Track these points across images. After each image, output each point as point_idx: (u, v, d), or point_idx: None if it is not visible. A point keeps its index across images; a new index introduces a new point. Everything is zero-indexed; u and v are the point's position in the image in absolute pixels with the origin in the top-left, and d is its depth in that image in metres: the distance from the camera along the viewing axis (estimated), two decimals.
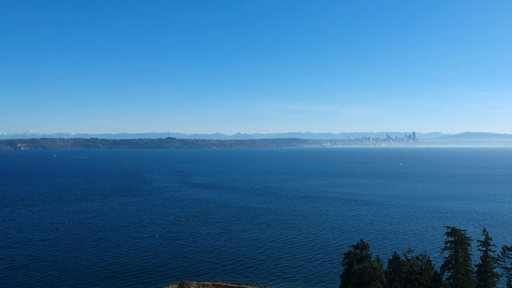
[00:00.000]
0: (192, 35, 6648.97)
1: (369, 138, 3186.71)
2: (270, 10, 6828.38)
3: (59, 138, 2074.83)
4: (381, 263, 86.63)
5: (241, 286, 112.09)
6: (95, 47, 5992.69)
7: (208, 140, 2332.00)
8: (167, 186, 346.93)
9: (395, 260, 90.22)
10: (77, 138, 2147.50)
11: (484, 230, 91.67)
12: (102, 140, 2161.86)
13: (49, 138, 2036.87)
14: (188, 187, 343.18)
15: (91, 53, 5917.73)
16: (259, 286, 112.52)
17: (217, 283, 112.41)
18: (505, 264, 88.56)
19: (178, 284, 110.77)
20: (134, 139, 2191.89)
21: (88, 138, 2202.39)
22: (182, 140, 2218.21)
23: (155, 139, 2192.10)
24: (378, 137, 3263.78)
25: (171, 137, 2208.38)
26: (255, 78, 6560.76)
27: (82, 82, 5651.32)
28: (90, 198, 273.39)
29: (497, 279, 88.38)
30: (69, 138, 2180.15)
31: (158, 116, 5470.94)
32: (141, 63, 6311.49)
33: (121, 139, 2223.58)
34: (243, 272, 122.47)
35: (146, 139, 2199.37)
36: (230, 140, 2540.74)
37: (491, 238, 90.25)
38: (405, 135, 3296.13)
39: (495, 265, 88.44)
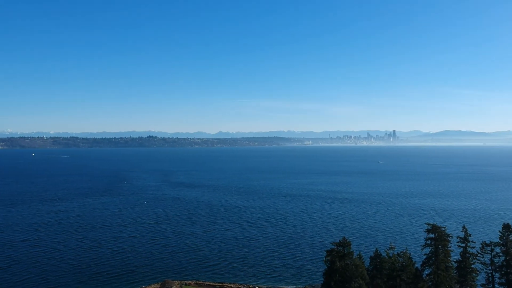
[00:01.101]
0: (174, 33, 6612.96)
1: (350, 136, 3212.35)
2: (254, 10, 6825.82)
3: (38, 137, 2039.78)
4: (363, 260, 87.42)
5: (224, 284, 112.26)
6: (74, 43, 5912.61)
7: (190, 138, 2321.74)
8: (149, 185, 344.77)
9: (376, 257, 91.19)
10: (57, 137, 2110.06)
11: (464, 227, 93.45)
12: (83, 139, 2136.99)
13: (28, 137, 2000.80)
14: (170, 186, 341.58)
15: (70, 49, 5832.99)
16: (242, 284, 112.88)
17: (199, 282, 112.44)
18: (484, 259, 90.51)
19: (160, 283, 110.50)
20: (115, 138, 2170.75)
21: (68, 137, 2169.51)
22: (163, 139, 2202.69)
23: (136, 137, 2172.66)
24: (360, 135, 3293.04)
25: (152, 136, 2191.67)
26: (238, 77, 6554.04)
27: (61, 80, 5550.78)
28: (71, 197, 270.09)
29: (476, 275, 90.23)
30: (49, 137, 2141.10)
31: (140, 115, 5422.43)
32: (121, 60, 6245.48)
33: (102, 138, 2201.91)
34: (227, 271, 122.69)
35: (127, 137, 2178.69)
36: (212, 139, 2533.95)
37: (470, 235, 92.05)
38: (386, 133, 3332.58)
39: (474, 261, 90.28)
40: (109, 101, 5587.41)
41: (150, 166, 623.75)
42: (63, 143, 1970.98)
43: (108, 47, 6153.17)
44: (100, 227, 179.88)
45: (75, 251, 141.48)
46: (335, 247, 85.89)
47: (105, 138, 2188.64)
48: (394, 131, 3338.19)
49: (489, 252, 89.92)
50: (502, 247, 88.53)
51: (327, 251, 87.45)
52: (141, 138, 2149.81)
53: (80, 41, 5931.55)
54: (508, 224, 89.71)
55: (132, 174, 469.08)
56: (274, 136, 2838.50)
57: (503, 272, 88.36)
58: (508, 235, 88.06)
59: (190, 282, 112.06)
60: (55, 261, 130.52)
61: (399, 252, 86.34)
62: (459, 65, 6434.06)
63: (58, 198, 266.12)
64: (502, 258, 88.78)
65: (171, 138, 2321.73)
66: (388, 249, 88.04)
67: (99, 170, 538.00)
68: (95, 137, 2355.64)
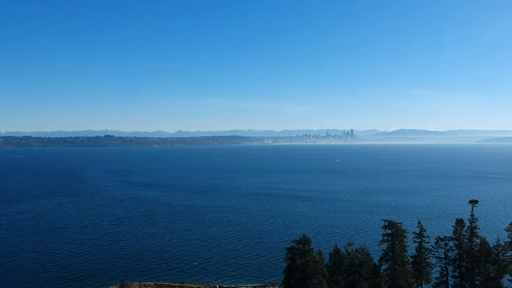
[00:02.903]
0: (130, 29, 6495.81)
1: (309, 135, 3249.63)
2: (210, 6, 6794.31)
3: None
4: (323, 257, 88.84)
5: (184, 284, 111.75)
6: (21, 37, 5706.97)
7: (149, 137, 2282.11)
8: (106, 185, 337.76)
9: (336, 254, 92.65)
10: (8, 136, 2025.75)
11: (419, 223, 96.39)
12: (36, 138, 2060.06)
13: None
14: (129, 186, 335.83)
15: (21, 44, 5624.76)
16: (203, 284, 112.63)
17: (159, 283, 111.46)
18: (438, 254, 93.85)
19: (119, 285, 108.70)
20: (70, 137, 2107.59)
21: (21, 136, 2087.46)
22: (121, 138, 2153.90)
23: (92, 137, 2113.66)
24: (318, 134, 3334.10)
25: (109, 135, 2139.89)
26: (196, 75, 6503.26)
27: (11, 75, 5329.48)
28: (25, 198, 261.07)
29: (431, 269, 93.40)
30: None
31: (96, 113, 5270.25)
32: (76, 57, 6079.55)
33: (57, 137, 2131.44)
34: (189, 271, 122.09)
35: (83, 137, 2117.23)
36: (172, 138, 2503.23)
37: (425, 230, 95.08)
38: (344, 132, 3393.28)
39: (429, 255, 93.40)
40: (64, 99, 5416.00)
41: (107, 166, 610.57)
42: (15, 142, 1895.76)
43: (58, 42, 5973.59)
44: (57, 229, 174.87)
45: (31, 255, 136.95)
46: (296, 245, 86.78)
47: (60, 138, 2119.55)
48: (351, 130, 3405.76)
49: (443, 246, 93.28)
50: (456, 241, 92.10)
51: (287, 249, 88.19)
52: (97, 137, 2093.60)
53: (29, 34, 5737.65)
54: (461, 219, 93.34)
55: (89, 174, 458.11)
56: (234, 135, 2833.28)
57: (456, 265, 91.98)
58: (461, 229, 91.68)
59: (149, 283, 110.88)
60: (9, 265, 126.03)
61: (357, 248, 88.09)
62: (414, 66, 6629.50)
63: (11, 200, 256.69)
64: (456, 252, 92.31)
65: (129, 137, 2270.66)
66: (347, 246, 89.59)
67: (54, 170, 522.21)
68: (50, 136, 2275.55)
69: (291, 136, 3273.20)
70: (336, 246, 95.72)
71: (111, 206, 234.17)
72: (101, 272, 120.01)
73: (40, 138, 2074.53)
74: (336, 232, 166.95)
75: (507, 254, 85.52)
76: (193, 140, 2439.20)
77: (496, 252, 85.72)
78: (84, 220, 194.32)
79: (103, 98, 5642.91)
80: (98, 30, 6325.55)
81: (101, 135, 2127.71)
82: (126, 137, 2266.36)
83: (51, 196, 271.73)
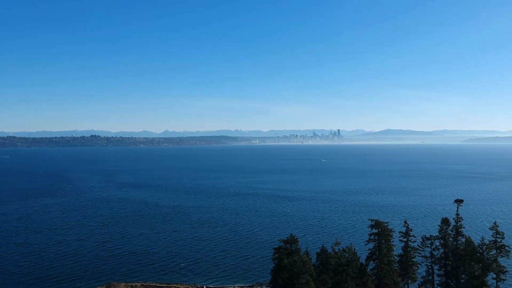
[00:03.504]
0: (116, 29, 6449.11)
1: (296, 135, 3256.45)
2: (197, 7, 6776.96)
3: None
4: (310, 257, 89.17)
5: (171, 285, 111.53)
6: (12, 38, 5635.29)
7: (135, 138, 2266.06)
8: (93, 186, 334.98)
9: (323, 253, 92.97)
10: None
11: (405, 222, 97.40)
12: (21, 138, 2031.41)
13: None
14: (116, 186, 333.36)
15: (5, 43, 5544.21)
16: (190, 285, 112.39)
17: (146, 284, 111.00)
18: (424, 253, 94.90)
19: (105, 286, 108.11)
20: (56, 137, 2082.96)
21: (5, 136, 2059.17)
22: (107, 138, 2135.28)
23: (78, 137, 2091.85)
24: (305, 134, 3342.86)
25: (95, 135, 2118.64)
26: (183, 75, 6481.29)
27: None
28: (10, 199, 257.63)
29: (416, 268, 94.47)
30: None
31: (82, 113, 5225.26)
32: (61, 56, 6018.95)
33: (42, 137, 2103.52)
34: (176, 272, 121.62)
35: (69, 137, 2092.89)
36: (158, 138, 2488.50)
37: (411, 229, 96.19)
38: (331, 132, 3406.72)
39: (415, 254, 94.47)
40: (49, 98, 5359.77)
41: (93, 166, 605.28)
42: None
43: (44, 41, 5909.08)
44: (43, 230, 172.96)
45: (15, 257, 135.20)
46: (283, 245, 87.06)
47: (45, 138, 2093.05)
48: (338, 130, 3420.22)
49: (429, 245, 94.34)
50: (441, 240, 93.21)
51: (275, 249, 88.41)
52: (83, 137, 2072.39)
53: (13, 33, 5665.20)
54: (446, 218, 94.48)
55: (75, 174, 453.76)
56: (221, 135, 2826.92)
57: (442, 264, 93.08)
58: (446, 228, 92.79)
59: (136, 284, 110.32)
60: None
61: (344, 247, 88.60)
62: (400, 67, 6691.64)
63: None
64: (441, 250, 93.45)
65: (115, 137, 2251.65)
66: (334, 245, 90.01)
67: (40, 170, 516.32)
68: (35, 136, 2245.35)
69: (278, 136, 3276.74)
70: (323, 245, 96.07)
71: (98, 207, 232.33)
72: (87, 274, 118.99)
73: (24, 138, 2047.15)
74: (323, 232, 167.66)
75: (491, 253, 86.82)
76: (180, 140, 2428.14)
77: (480, 251, 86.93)
78: (70, 221, 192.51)
79: (89, 97, 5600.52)
80: (85, 29, 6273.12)
81: (86, 135, 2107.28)
82: (112, 137, 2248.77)
83: (37, 197, 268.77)
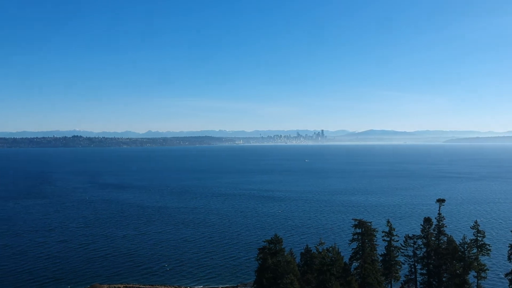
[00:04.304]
0: (99, 29, 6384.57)
1: (280, 136, 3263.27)
2: (179, 7, 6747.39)
3: None
4: (294, 256, 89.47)
5: (155, 286, 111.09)
6: None
7: (118, 138, 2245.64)
8: (75, 187, 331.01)
9: (307, 253, 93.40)
10: None
11: (388, 222, 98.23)
12: (0, 138, 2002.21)
13: None
14: (98, 187, 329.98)
15: None
16: (173, 286, 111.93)
17: (128, 285, 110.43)
18: (407, 252, 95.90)
19: None
20: (37, 138, 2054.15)
21: None
22: (89, 139, 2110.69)
23: (60, 137, 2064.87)
24: (290, 134, 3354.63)
25: (77, 135, 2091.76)
26: (166, 75, 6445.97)
27: None
28: None
29: (399, 267, 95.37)
30: None
31: (63, 113, 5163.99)
32: (42, 54, 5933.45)
33: (22, 138, 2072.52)
34: (160, 273, 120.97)
35: (50, 137, 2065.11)
36: (142, 139, 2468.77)
37: (394, 229, 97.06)
38: (314, 132, 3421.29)
39: (398, 253, 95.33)
40: (30, 98, 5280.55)
41: (75, 167, 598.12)
42: None
43: (24, 39, 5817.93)
44: (24, 232, 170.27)
45: None
46: (267, 245, 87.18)
47: (25, 138, 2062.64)
48: (322, 130, 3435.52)
49: (411, 244, 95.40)
50: (424, 240, 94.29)
51: (259, 249, 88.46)
52: (65, 138, 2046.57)
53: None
54: (428, 217, 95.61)
55: (56, 175, 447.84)
56: (205, 136, 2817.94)
57: (424, 263, 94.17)
58: (429, 228, 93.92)
59: (119, 285, 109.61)
60: None
61: (328, 247, 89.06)
62: (383, 69, 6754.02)
63: None
64: (424, 250, 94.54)
65: (98, 137, 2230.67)
66: (318, 245, 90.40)
67: (20, 171, 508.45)
68: (15, 136, 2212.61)
69: (262, 136, 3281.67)
70: (307, 245, 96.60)
71: (80, 208, 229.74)
72: (70, 276, 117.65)
73: (4, 138, 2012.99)
74: (308, 232, 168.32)
75: (472, 251, 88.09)
76: (164, 140, 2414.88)
77: (462, 250, 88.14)
78: (53, 222, 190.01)
79: (70, 97, 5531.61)
80: (65, 28, 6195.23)
81: (68, 136, 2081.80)
82: (95, 137, 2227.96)
83: (17, 199, 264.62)
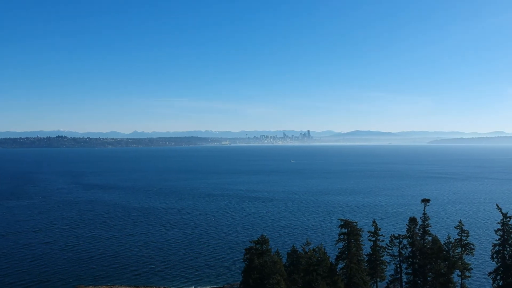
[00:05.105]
0: (83, 28, 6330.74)
1: (267, 136, 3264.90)
2: (164, 6, 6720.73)
3: None
4: (281, 257, 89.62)
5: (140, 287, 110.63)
6: None
7: (103, 138, 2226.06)
8: (60, 188, 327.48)
9: (293, 253, 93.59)
10: None
11: (374, 222, 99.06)
12: None
13: None
14: (83, 188, 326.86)
15: None
16: (160, 287, 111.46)
17: (114, 287, 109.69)
18: (393, 252, 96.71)
19: None
20: (20, 138, 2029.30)
21: None
22: (74, 139, 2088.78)
23: (44, 138, 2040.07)
24: (276, 135, 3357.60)
25: (61, 136, 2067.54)
26: (152, 75, 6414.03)
27: None
28: None
29: (385, 266, 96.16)
30: None
31: (48, 113, 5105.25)
32: (26, 54, 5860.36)
33: (5, 138, 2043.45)
34: (146, 275, 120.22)
35: (34, 137, 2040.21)
36: (127, 139, 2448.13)
37: (380, 229, 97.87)
38: (301, 133, 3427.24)
39: (383, 253, 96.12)
40: (14, 97, 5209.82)
41: (60, 167, 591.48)
42: None
43: (7, 37, 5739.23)
44: (7, 234, 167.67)
45: None
46: (254, 245, 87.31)
47: (9, 138, 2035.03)
48: (308, 131, 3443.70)
49: (397, 244, 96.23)
50: (409, 239, 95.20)
51: (246, 249, 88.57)
52: (49, 138, 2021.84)
53: None
54: (414, 217, 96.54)
55: (41, 176, 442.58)
56: (192, 136, 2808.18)
57: (409, 262, 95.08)
58: (414, 227, 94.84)
59: (104, 287, 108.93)
60: None
61: (314, 247, 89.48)
62: (368, 70, 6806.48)
63: None
64: (409, 249, 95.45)
65: (82, 138, 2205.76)
66: (304, 245, 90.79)
67: (4, 172, 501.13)
68: None
69: (248, 137, 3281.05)
70: (293, 246, 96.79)
71: (65, 209, 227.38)
72: (55, 277, 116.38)
73: None
74: (294, 232, 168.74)
75: (456, 251, 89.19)
76: (149, 141, 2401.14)
77: (446, 249, 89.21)
78: (37, 224, 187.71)
79: (55, 97, 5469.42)
80: (50, 26, 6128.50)
81: (53, 136, 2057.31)
82: (79, 137, 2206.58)
83: (0, 200, 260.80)
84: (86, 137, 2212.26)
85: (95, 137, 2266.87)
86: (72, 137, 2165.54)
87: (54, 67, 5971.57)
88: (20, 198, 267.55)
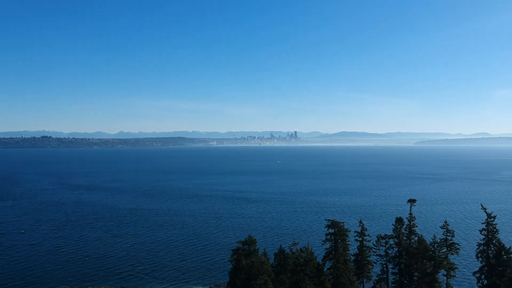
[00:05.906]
0: (69, 28, 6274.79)
1: (254, 137, 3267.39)
2: (150, 6, 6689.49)
3: None
4: (268, 257, 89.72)
5: None
6: None
7: (89, 139, 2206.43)
8: (45, 189, 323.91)
9: (281, 253, 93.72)
10: None
11: (360, 222, 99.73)
12: None
13: None
14: (69, 189, 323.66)
15: None
16: None
17: None
18: (379, 251, 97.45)
19: None
20: (4, 138, 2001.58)
21: None
22: (59, 139, 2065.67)
23: (28, 138, 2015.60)
24: (263, 136, 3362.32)
25: (46, 136, 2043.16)
26: (138, 75, 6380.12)
27: None
28: None
29: (371, 266, 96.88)
30: None
31: (32, 113, 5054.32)
32: (9, 53, 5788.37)
33: None
34: (133, 276, 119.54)
35: (18, 138, 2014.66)
36: (113, 139, 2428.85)
37: (366, 229, 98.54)
38: (288, 134, 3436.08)
39: (370, 253, 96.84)
40: None
41: (45, 168, 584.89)
42: None
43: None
44: None
45: None
46: (241, 246, 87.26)
47: None
48: (295, 132, 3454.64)
49: (383, 244, 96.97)
50: (395, 239, 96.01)
51: (233, 250, 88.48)
52: (34, 138, 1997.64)
53: None
54: (400, 217, 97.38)
55: (25, 176, 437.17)
56: (179, 137, 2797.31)
57: (396, 262, 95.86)
58: (400, 227, 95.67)
59: None
60: None
61: (302, 247, 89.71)
62: (355, 71, 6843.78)
63: None
64: (395, 249, 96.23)
65: (68, 138, 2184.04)
66: (291, 245, 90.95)
67: None
68: None
69: (236, 137, 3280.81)
70: (281, 246, 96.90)
71: (51, 210, 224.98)
72: (39, 280, 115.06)
73: None
74: (281, 233, 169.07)
75: (442, 251, 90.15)
76: (136, 141, 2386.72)
77: (432, 249, 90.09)
78: (22, 225, 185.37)
79: (40, 97, 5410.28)
80: (36, 26, 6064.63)
81: (37, 136, 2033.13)
82: (65, 138, 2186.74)
83: None
84: (71, 138, 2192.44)
85: (80, 138, 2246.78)
86: (58, 137, 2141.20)
87: (39, 67, 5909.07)
88: (4, 199, 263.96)
